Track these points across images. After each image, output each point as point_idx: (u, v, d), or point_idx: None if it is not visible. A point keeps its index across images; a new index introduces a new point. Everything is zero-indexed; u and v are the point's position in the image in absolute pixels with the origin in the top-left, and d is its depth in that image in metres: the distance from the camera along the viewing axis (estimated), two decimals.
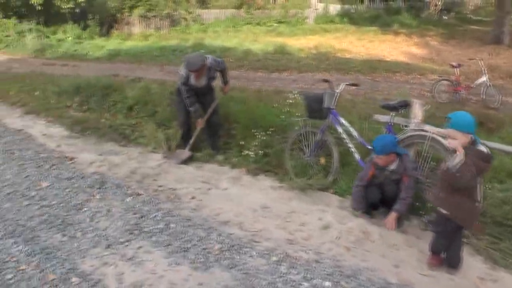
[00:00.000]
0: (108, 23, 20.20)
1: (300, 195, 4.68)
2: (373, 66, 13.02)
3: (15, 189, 4.44)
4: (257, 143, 5.72)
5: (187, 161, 5.53)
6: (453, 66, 9.43)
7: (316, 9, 23.71)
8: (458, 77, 9.23)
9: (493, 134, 5.86)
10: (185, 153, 5.65)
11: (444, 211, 3.30)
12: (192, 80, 5.47)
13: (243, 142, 5.97)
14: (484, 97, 8.78)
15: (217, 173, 5.24)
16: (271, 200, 4.52)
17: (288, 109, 6.09)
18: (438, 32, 19.38)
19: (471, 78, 10.60)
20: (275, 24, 21.83)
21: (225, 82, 5.98)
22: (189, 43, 15.55)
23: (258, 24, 21.91)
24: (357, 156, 4.74)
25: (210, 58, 5.57)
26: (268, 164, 5.53)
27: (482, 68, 9.28)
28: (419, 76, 11.75)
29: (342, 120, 4.92)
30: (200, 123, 5.72)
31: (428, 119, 6.31)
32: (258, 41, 18.00)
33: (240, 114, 6.35)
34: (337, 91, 5.00)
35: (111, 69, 11.30)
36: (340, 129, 4.89)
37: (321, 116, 4.99)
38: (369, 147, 4.61)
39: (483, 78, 8.99)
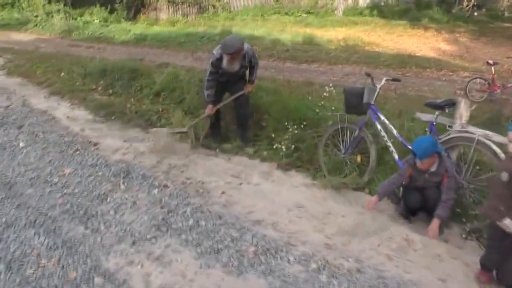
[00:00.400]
0: (136, 8, 19.86)
1: (334, 195, 4.34)
2: (403, 61, 12.49)
3: (38, 174, 4.20)
4: (288, 137, 5.39)
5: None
6: (489, 64, 8.88)
7: (345, 1, 23.08)
8: (494, 76, 8.68)
9: None
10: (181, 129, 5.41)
11: (504, 227, 2.91)
12: (225, 63, 5.12)
13: (273, 135, 5.66)
14: None
15: (247, 167, 4.92)
16: (305, 199, 4.20)
17: (322, 103, 5.72)
18: (468, 29, 18.60)
19: (504, 77, 10.05)
20: (304, 15, 21.29)
21: (251, 80, 5.54)
22: (216, 31, 15.13)
23: (286, 13, 21.38)
24: (395, 155, 4.38)
25: (248, 46, 5.24)
26: (299, 159, 5.20)
27: None
28: (450, 73, 11.19)
29: (382, 117, 4.55)
30: (209, 109, 5.32)
31: None
32: (286, 31, 17.54)
33: (271, 105, 6.01)
34: (378, 86, 4.63)
35: (137, 53, 11.02)
36: (379, 126, 4.53)
37: (360, 111, 4.65)
38: (409, 147, 4.25)
39: None
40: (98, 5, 18.43)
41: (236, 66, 5.17)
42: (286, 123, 5.58)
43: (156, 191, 4.04)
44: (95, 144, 5.09)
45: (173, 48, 12.99)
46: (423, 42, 16.91)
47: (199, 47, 13.25)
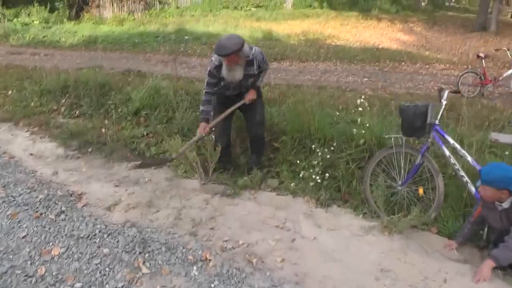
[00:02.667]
0: (77, 5, 17.55)
1: (407, 242, 3.31)
2: (375, 55, 11.77)
3: (11, 263, 2.76)
4: (317, 162, 4.28)
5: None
6: (479, 57, 8.25)
7: None
8: (485, 69, 8.06)
9: None
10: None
11: None
12: (224, 72, 3.86)
13: (293, 159, 4.55)
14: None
15: (281, 208, 3.75)
16: (383, 255, 3.11)
17: (355, 117, 4.65)
18: (419, 18, 18.42)
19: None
20: (253, 9, 20.18)
21: (254, 87, 4.25)
22: (169, 29, 13.59)
23: (235, 8, 20.15)
24: (472, 188, 3.41)
25: (256, 49, 4.02)
26: (337, 192, 4.15)
27: (511, 59, 8.18)
28: (426, 66, 10.59)
29: (451, 140, 3.56)
30: (201, 129, 4.06)
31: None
32: (240, 26, 16.33)
33: (286, 121, 4.87)
34: (443, 101, 3.63)
35: (91, 59, 9.33)
36: (447, 152, 3.54)
37: (421, 134, 3.63)
38: None
39: (511, 70, 7.89)
40: (36, 4, 15.94)
41: (238, 74, 3.89)
42: (309, 144, 4.50)
43: (195, 269, 2.75)
44: (80, 197, 3.67)
45: (129, 51, 11.37)
46: (380, 33, 16.41)
47: (156, 48, 11.73)
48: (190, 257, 2.87)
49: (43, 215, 3.29)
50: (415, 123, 3.60)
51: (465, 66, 10.13)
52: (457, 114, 5.61)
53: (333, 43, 14.49)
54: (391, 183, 3.85)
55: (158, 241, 3.02)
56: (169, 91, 5.70)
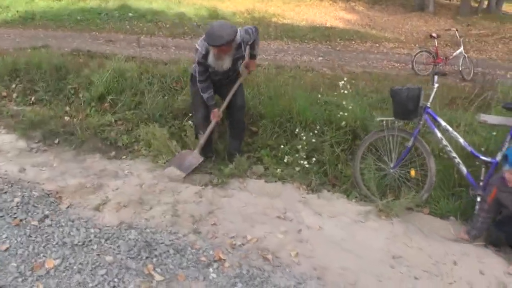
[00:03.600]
0: None
1: (408, 226, 3.32)
2: (324, 34, 11.79)
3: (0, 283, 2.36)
4: (302, 147, 4.17)
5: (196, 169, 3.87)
6: (432, 37, 8.51)
7: None
8: (437, 48, 8.34)
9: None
10: (194, 156, 3.91)
11: None
12: (211, 59, 3.60)
13: (274, 143, 4.40)
14: (461, 68, 8.04)
15: (274, 196, 3.61)
16: (388, 241, 3.08)
17: (334, 99, 4.54)
18: None
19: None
20: None
21: (252, 55, 4.05)
22: (111, 5, 12.61)
23: None
24: (464, 168, 3.47)
25: (241, 31, 3.72)
26: (323, 175, 4.06)
27: (459, 39, 8.51)
28: (376, 45, 10.78)
29: (443, 123, 3.58)
30: (215, 115, 3.93)
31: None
32: (183, 3, 15.60)
33: (264, 104, 4.66)
34: (436, 85, 3.61)
35: (33, 38, 8.39)
36: (439, 134, 3.55)
37: (413, 117, 3.61)
38: (484, 158, 3.38)
39: (460, 49, 8.23)
40: None
41: (226, 63, 3.66)
42: (290, 128, 4.38)
43: (212, 272, 2.52)
44: (60, 197, 3.24)
45: (72, 28, 10.41)
46: (323, 12, 16.47)
47: (100, 25, 10.87)
48: (203, 259, 2.63)
49: (24, 221, 2.85)
50: (408, 106, 3.56)
51: (413, 45, 10.45)
52: None
53: (280, 22, 14.34)
54: (382, 165, 3.82)
55: (163, 243, 2.74)
56: (134, 74, 5.25)
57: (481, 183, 3.40)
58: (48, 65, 5.29)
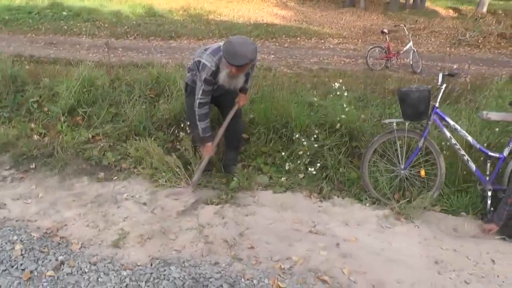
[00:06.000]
0: None
1: (431, 227, 3.32)
2: (268, 31, 11.70)
3: None
4: (302, 152, 4.03)
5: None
6: (383, 33, 8.77)
7: None
8: (389, 44, 8.63)
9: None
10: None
11: None
12: (223, 78, 3.24)
13: (269, 150, 4.22)
14: (411, 62, 8.41)
15: (289, 208, 3.43)
16: (421, 245, 3.03)
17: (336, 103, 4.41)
18: None
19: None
20: None
21: (245, 88, 3.70)
22: (40, 2, 11.37)
23: None
24: (473, 165, 3.55)
25: None
26: (330, 182, 3.96)
27: (408, 34, 8.88)
28: (322, 41, 10.91)
29: (451, 122, 3.62)
30: (209, 149, 3.55)
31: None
32: (114, 0, 14.65)
33: (257, 110, 4.43)
34: (444, 85, 3.64)
35: None
36: (447, 134, 3.60)
37: (424, 117, 3.62)
38: (492, 154, 3.49)
39: (410, 44, 8.59)
40: None
41: (240, 81, 3.37)
42: (286, 134, 4.22)
43: None
44: (64, 237, 2.74)
45: (1, 30, 9.20)
46: (257, 8, 16.41)
47: (34, 26, 9.78)
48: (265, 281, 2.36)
49: (36, 272, 2.36)
50: (419, 107, 3.54)
51: (356, 40, 10.72)
52: (384, 89, 5.85)
53: (217, 19, 14.04)
54: (391, 167, 3.79)
55: (211, 277, 2.41)
56: (105, 82, 4.71)
57: (487, 178, 3.49)
58: (0, 76, 4.54)
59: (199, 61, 3.30)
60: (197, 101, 3.37)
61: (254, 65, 3.66)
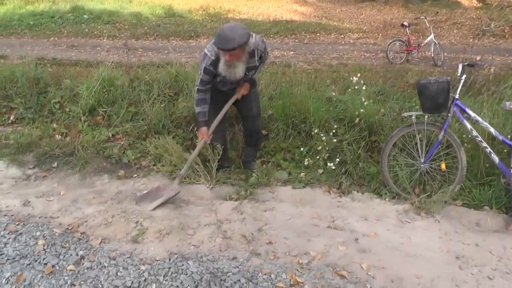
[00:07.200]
0: None
1: (452, 222, 3.23)
2: (288, 28, 11.64)
3: None
4: (321, 147, 3.99)
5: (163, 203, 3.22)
6: (404, 26, 8.61)
7: None
8: (410, 37, 8.46)
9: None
10: (172, 188, 3.35)
11: None
12: (222, 67, 3.20)
13: (288, 146, 4.19)
14: (433, 55, 8.21)
15: (309, 203, 3.41)
16: (442, 240, 2.95)
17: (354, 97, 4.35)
18: None
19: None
20: None
21: (250, 79, 3.65)
22: (62, 7, 11.64)
23: None
24: (496, 158, 3.43)
25: (257, 37, 3.37)
26: (350, 176, 3.90)
27: (429, 26, 8.69)
28: (341, 36, 10.78)
29: (472, 114, 3.51)
30: (203, 133, 3.49)
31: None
32: (134, 1, 14.85)
33: (275, 107, 4.42)
34: (464, 76, 3.54)
35: None
36: (468, 126, 3.49)
37: (444, 109, 3.52)
38: None
39: (431, 36, 8.40)
40: None
41: (239, 71, 3.26)
42: (305, 129, 4.18)
43: None
44: (84, 233, 2.80)
45: (26, 34, 9.47)
46: (276, 5, 16.34)
47: (56, 30, 10.01)
48: (281, 284, 2.35)
49: (57, 266, 2.42)
50: (438, 99, 3.45)
51: (376, 34, 10.55)
52: (404, 83, 5.73)
53: (236, 17, 14.06)
54: (411, 161, 3.72)
55: (229, 272, 2.42)
56: (124, 82, 4.78)
57: (511, 170, 3.38)
58: (24, 78, 4.66)
59: (204, 53, 3.31)
60: (196, 87, 3.41)
61: (263, 58, 3.60)
